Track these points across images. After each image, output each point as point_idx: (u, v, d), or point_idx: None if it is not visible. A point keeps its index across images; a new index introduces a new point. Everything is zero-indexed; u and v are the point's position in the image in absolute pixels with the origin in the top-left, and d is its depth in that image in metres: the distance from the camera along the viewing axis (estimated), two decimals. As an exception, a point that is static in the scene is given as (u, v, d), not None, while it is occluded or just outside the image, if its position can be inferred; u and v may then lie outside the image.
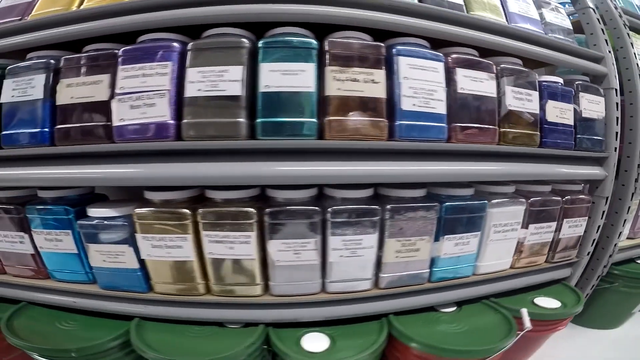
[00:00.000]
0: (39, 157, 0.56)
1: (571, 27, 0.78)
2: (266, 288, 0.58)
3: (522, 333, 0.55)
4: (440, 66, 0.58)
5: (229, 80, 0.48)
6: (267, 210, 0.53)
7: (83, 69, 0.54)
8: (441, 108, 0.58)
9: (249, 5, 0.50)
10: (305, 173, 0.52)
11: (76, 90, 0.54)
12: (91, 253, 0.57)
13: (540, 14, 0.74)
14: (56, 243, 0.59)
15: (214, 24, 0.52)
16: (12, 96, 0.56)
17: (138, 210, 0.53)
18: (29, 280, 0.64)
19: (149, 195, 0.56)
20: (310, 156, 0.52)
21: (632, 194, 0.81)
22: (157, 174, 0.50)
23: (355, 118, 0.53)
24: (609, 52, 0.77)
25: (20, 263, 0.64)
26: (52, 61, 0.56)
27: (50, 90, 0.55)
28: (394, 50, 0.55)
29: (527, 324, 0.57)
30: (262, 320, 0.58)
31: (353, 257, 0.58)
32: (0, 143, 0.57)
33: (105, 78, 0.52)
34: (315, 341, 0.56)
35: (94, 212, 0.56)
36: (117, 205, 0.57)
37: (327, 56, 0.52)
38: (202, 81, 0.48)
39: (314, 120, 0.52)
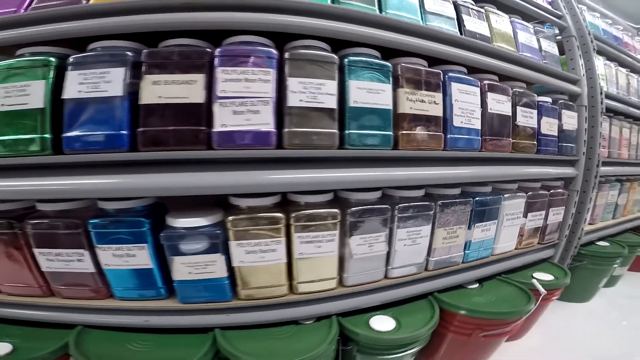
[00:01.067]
0: (117, 164, 0.51)
1: (558, 54, 0.99)
2: (339, 281, 0.66)
3: (541, 297, 0.73)
4: (477, 91, 0.72)
5: (326, 93, 0.55)
6: (350, 210, 0.62)
7: (171, 66, 0.51)
8: (477, 124, 0.73)
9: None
10: (383, 177, 0.62)
11: (165, 88, 0.50)
12: (176, 266, 0.54)
13: (538, 41, 0.93)
14: (127, 259, 0.55)
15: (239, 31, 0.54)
16: (80, 91, 0.50)
17: (233, 217, 0.55)
18: (87, 302, 0.59)
19: (238, 201, 0.58)
20: (386, 163, 0.62)
21: (593, 187, 1.05)
22: (261, 181, 0.53)
23: (422, 132, 0.64)
24: (583, 75, 0.99)
25: (76, 283, 0.58)
26: (129, 53, 0.51)
27: (130, 87, 0.49)
28: (447, 76, 0.68)
29: (542, 290, 0.75)
30: (335, 312, 0.65)
31: (413, 245, 0.69)
32: (61, 147, 0.51)
33: (200, 78, 0.50)
34: (382, 322, 0.66)
35: (180, 222, 0.54)
36: (200, 213, 0.55)
37: (401, 79, 0.62)
38: (303, 92, 0.53)
39: (390, 133, 0.62)
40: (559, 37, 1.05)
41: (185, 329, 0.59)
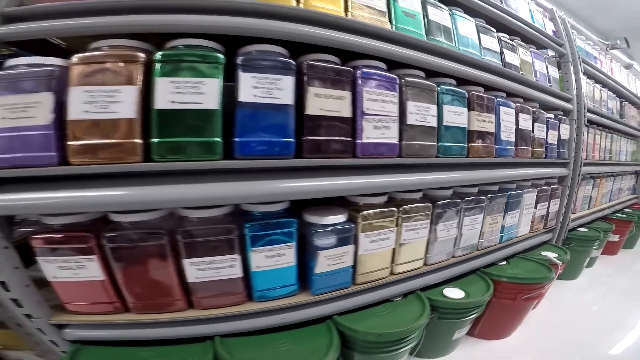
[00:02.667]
0: (285, 170, 0.57)
1: (558, 76, 1.28)
2: (424, 261, 0.86)
3: (560, 268, 0.99)
4: (513, 112, 0.97)
5: (431, 115, 0.74)
6: (437, 204, 0.82)
7: (327, 81, 0.58)
8: (513, 137, 0.97)
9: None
10: (459, 178, 0.84)
11: (325, 102, 0.57)
12: (320, 260, 0.63)
13: (546, 67, 1.21)
14: (277, 259, 0.60)
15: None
16: (255, 95, 0.52)
17: (363, 213, 0.69)
18: (227, 310, 0.60)
19: (364, 200, 0.72)
20: (462, 167, 0.84)
21: (577, 183, 1.37)
22: (389, 183, 0.70)
23: (483, 144, 0.86)
24: (575, 94, 1.31)
25: (222, 291, 0.59)
26: (293, 62, 0.55)
27: (295, 96, 0.53)
28: (497, 101, 0.91)
29: (558, 262, 1.02)
30: (418, 287, 0.84)
31: (472, 230, 0.92)
32: (233, 152, 0.53)
33: (348, 95, 0.60)
34: (453, 292, 0.87)
35: (326, 220, 0.64)
36: (336, 212, 0.67)
37: (472, 104, 0.83)
38: (418, 113, 0.72)
39: (465, 145, 0.83)
40: (554, 58, 1.35)
41: (309, 321, 0.66)
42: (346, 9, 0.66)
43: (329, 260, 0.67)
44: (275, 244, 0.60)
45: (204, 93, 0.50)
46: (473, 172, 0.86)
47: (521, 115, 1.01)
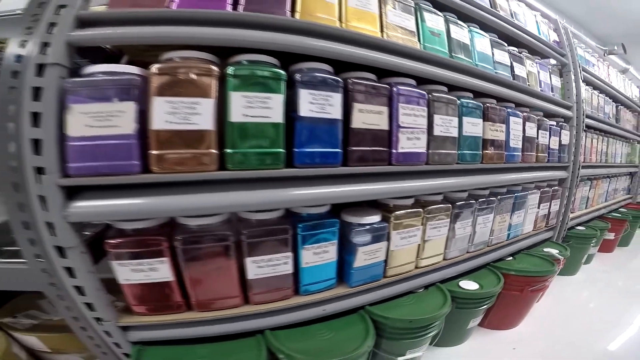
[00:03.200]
0: (334, 177, 0.65)
1: (560, 85, 1.39)
2: (443, 256, 0.96)
3: (562, 262, 1.10)
4: (521, 121, 1.07)
5: (453, 126, 0.84)
6: (457, 204, 0.93)
7: (369, 97, 0.66)
8: (520, 144, 1.08)
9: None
10: (474, 181, 0.95)
11: (367, 116, 0.65)
12: (359, 255, 0.72)
13: (549, 77, 1.32)
14: (322, 255, 0.68)
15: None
16: (311, 110, 0.58)
17: (395, 214, 0.79)
18: (279, 304, 0.67)
19: (395, 202, 0.82)
20: (476, 172, 0.95)
21: (575, 185, 1.49)
22: (416, 188, 0.79)
23: (494, 152, 0.96)
24: (575, 102, 1.42)
25: (275, 286, 0.65)
26: (341, 80, 0.62)
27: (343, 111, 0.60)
28: (507, 111, 1.02)
29: (560, 257, 1.13)
30: (438, 279, 0.94)
31: (484, 228, 1.04)
32: (293, 161, 0.59)
33: (385, 110, 0.69)
34: (468, 285, 0.97)
35: (365, 219, 0.73)
36: (372, 212, 0.76)
37: (487, 115, 0.93)
38: (442, 125, 0.82)
39: (480, 152, 0.94)
40: (557, 67, 1.46)
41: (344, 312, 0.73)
42: (382, 30, 0.74)
43: (366, 255, 0.76)
44: (321, 242, 0.68)
45: (271, 108, 0.57)
46: (486, 177, 0.96)
47: (527, 123, 1.11)
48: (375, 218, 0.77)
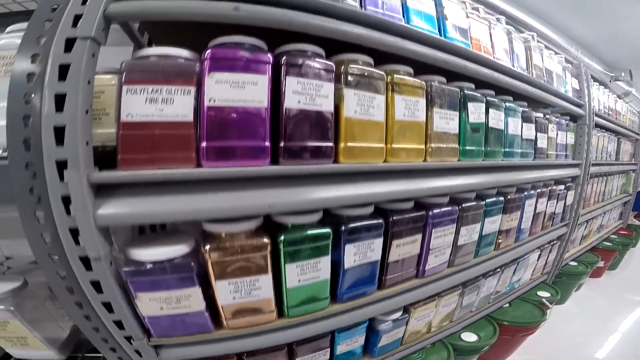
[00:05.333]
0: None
1: (572, 142, 1.40)
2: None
3: (550, 309, 1.29)
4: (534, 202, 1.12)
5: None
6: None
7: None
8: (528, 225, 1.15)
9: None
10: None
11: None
12: (383, 339, 0.82)
13: (565, 137, 1.33)
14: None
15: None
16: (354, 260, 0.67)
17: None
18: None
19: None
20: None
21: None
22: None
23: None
24: (584, 158, 1.44)
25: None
26: (381, 221, 0.69)
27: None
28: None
29: (550, 305, 1.30)
30: (444, 337, 1.01)
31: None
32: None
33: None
34: (468, 337, 1.03)
35: (391, 316, 0.81)
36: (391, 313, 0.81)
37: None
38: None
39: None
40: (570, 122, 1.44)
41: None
42: (425, 158, 0.73)
43: (387, 338, 0.83)
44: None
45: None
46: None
47: (539, 200, 1.17)
48: (398, 314, 0.85)
